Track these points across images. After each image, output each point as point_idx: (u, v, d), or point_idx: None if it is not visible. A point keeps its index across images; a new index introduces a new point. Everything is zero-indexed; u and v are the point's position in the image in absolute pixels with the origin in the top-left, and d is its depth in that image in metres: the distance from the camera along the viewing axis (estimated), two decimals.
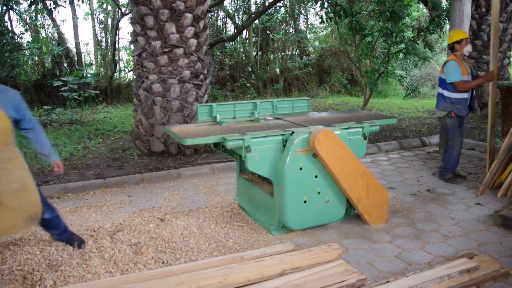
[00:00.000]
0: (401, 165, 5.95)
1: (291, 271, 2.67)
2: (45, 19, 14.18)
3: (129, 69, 15.17)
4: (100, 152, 6.75)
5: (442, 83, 4.95)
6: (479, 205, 4.26)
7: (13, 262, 3.11)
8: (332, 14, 9.34)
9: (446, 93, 4.91)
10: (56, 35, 14.09)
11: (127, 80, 14.53)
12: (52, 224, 3.19)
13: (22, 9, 13.04)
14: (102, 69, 15.07)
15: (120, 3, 14.13)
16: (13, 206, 2.71)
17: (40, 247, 3.35)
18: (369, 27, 9.98)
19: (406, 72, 17.16)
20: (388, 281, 2.63)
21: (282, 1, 14.48)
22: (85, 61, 14.84)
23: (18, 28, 14.04)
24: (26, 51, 11.51)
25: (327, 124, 3.75)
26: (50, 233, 3.32)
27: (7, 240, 3.52)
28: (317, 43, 17.34)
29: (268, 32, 16.14)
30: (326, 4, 9.45)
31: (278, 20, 16.30)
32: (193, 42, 6.31)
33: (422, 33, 9.74)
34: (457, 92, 4.84)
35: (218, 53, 14.95)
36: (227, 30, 16.54)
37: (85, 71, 11.72)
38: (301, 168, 3.46)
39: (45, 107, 9.99)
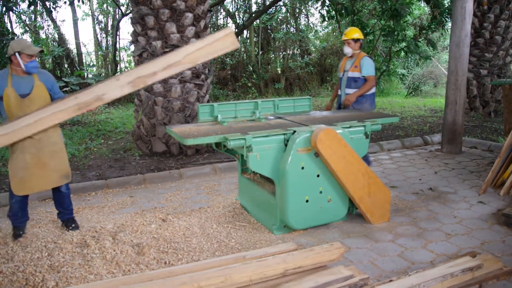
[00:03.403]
0: (403, 164, 5.93)
1: (294, 270, 2.67)
2: (45, 20, 14.20)
3: (130, 69, 15.16)
4: (102, 153, 6.76)
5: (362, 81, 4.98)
6: (482, 204, 4.25)
7: (15, 263, 3.11)
8: (333, 13, 9.33)
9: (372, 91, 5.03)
10: (56, 35, 14.11)
11: None
12: (66, 200, 3.78)
13: (21, 10, 13.05)
14: (103, 69, 15.08)
15: (120, 3, 14.14)
16: (52, 165, 3.51)
17: (41, 248, 3.35)
18: (370, 26, 9.97)
19: (408, 71, 17.13)
20: (390, 280, 2.62)
21: (282, 0, 14.47)
22: (85, 61, 14.85)
23: (18, 29, 14.07)
24: None
25: (328, 123, 3.74)
26: (59, 210, 3.82)
27: (8, 241, 3.53)
28: (318, 42, 17.32)
29: (269, 31, 16.13)
30: (327, 3, 9.44)
31: (279, 19, 16.28)
32: (194, 41, 6.30)
33: (424, 31, 9.72)
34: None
35: None
36: None
37: (86, 71, 11.73)
38: (303, 168, 3.45)
39: None
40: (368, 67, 4.90)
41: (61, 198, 3.76)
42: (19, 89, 3.39)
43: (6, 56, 3.48)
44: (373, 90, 5.10)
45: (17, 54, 3.35)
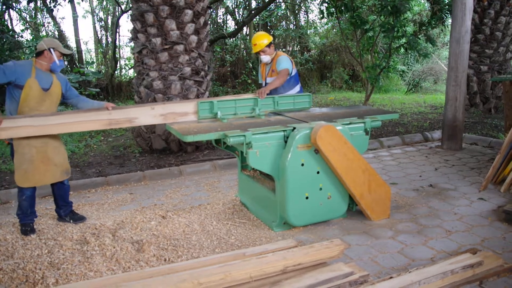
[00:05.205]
0: (404, 160, 5.93)
1: (293, 267, 2.66)
2: (45, 17, 14.17)
3: (130, 66, 15.16)
4: (102, 150, 6.75)
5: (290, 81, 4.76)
6: (482, 200, 4.24)
7: (15, 260, 3.11)
8: (333, 9, 9.30)
9: (296, 89, 4.86)
10: (56, 33, 14.08)
11: (128, 77, 14.52)
12: (68, 193, 3.91)
13: (22, 7, 13.04)
14: (103, 67, 15.06)
15: (120, 0, 14.10)
16: (56, 160, 3.64)
17: (41, 245, 3.35)
18: (370, 22, 9.93)
19: (408, 67, 17.10)
20: (391, 277, 2.62)
21: None
22: (85, 59, 14.84)
23: (18, 26, 14.04)
24: (26, 50, 11.50)
25: (328, 120, 3.73)
26: (61, 206, 3.90)
27: (8, 238, 3.52)
28: (318, 38, 17.28)
29: (268, 28, 16.09)
30: None
31: (278, 15, 16.24)
32: (193, 38, 6.28)
33: (424, 28, 9.69)
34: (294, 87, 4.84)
35: (218, 50, 14.91)
36: (228, 26, 16.50)
37: (86, 68, 11.71)
38: (302, 164, 3.44)
39: None
40: (282, 63, 4.66)
41: (64, 192, 3.87)
42: (41, 83, 3.55)
43: (36, 50, 3.62)
44: (298, 88, 4.88)
45: (52, 49, 3.58)
